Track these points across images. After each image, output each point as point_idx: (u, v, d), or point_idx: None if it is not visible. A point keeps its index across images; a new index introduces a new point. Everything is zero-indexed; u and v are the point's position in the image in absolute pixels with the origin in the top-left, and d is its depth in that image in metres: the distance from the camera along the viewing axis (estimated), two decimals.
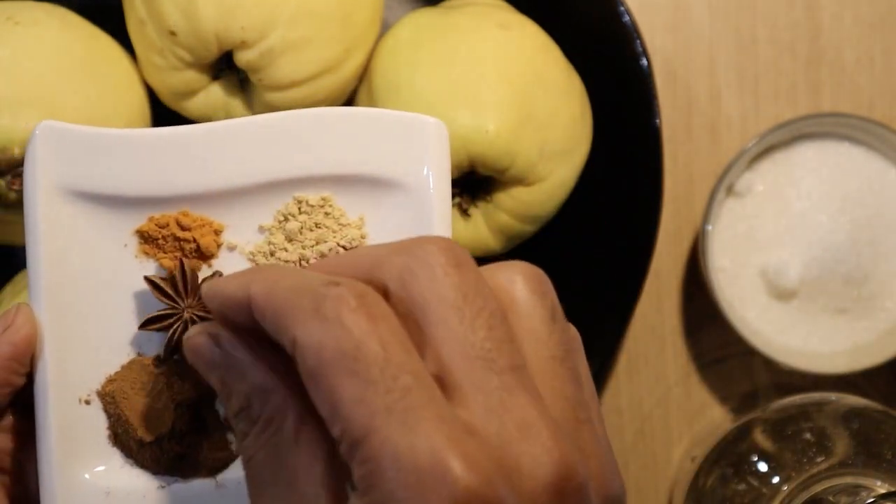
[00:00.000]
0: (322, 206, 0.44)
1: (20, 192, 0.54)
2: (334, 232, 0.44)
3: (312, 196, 0.44)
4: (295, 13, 0.55)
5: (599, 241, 0.63)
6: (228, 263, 0.44)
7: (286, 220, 0.44)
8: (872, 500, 0.51)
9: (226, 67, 0.57)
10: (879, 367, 0.63)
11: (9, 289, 0.58)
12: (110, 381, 0.44)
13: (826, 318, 0.64)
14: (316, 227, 0.44)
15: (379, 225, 0.45)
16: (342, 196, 0.44)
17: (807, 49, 0.67)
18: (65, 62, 0.55)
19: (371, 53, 0.59)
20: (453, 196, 0.59)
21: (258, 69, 0.55)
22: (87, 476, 0.43)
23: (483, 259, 0.61)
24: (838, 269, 0.64)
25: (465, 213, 0.59)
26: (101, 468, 0.43)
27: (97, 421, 0.44)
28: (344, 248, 0.44)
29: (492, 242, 0.60)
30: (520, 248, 0.62)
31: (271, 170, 0.44)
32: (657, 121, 0.61)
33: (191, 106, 0.58)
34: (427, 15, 0.59)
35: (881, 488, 0.54)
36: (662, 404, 0.68)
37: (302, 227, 0.44)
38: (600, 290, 0.63)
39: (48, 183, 0.42)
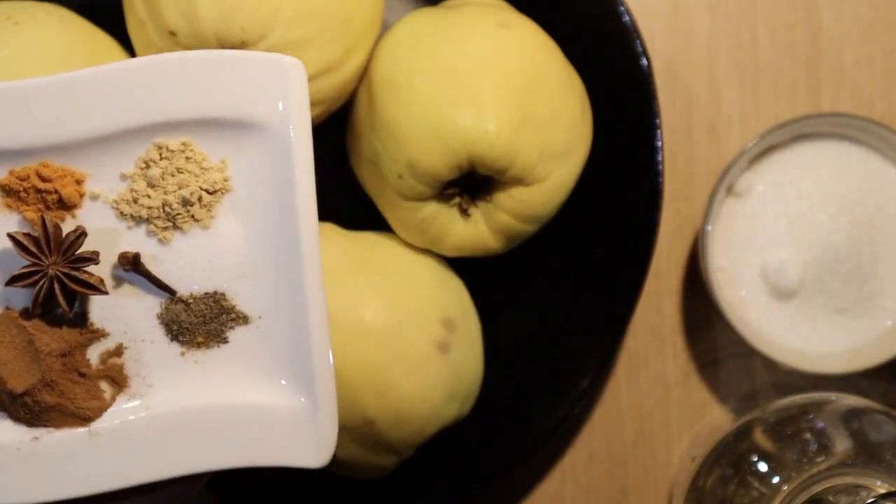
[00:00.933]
0: (183, 151, 0.45)
1: None
2: (196, 176, 0.45)
3: (173, 141, 0.45)
4: (295, 14, 0.55)
5: (599, 241, 0.63)
6: (92, 212, 0.45)
7: (147, 166, 0.45)
8: (872, 500, 0.51)
9: None
10: (879, 367, 0.63)
11: None
12: None
13: (826, 318, 0.64)
14: (178, 172, 0.45)
15: (241, 168, 0.45)
16: (203, 140, 0.45)
17: (807, 49, 0.67)
18: (65, 62, 0.55)
19: (371, 53, 0.59)
20: (453, 196, 0.59)
21: None
22: None
23: (483, 259, 0.61)
24: (838, 269, 0.64)
25: (465, 212, 0.59)
26: None
27: None
28: (207, 191, 0.45)
29: (492, 242, 0.60)
30: (520, 248, 0.62)
31: (130, 116, 0.44)
32: (657, 121, 0.61)
33: None
34: (427, 15, 0.59)
35: (881, 488, 0.54)
36: (662, 404, 0.68)
37: (164, 173, 0.45)
38: (600, 290, 0.63)
39: None
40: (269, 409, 0.45)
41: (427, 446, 0.61)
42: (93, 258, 0.44)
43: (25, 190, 0.44)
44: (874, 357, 0.63)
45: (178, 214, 0.45)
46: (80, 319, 0.45)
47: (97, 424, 0.45)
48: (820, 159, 0.65)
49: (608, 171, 0.62)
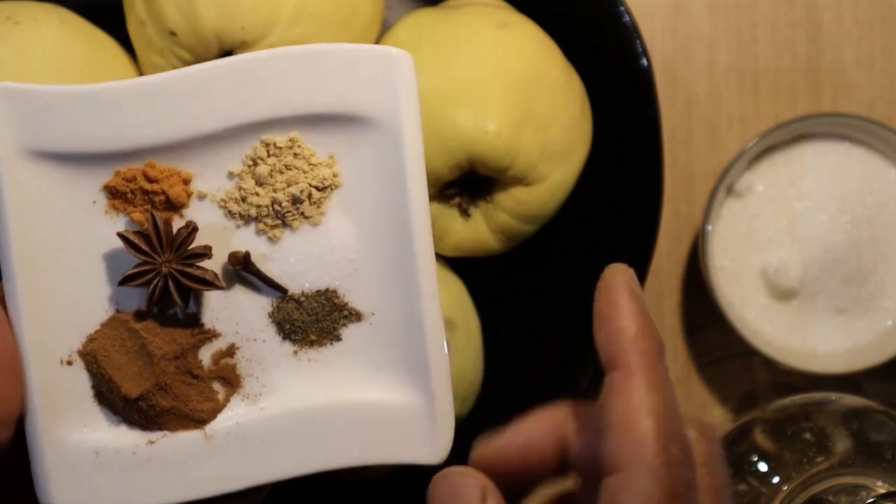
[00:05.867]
0: (290, 148, 0.44)
1: None
2: (305, 172, 0.44)
3: (280, 138, 0.44)
4: (295, 13, 0.55)
5: (599, 240, 0.63)
6: (200, 212, 0.44)
7: (255, 164, 0.44)
8: (872, 500, 0.51)
9: None
10: (879, 367, 0.63)
11: None
12: (90, 339, 0.44)
13: (826, 318, 0.64)
14: (286, 168, 0.44)
15: (350, 163, 0.44)
16: (310, 136, 0.44)
17: (807, 49, 0.67)
18: (64, 61, 0.55)
19: None
20: (453, 196, 0.59)
21: None
22: (74, 437, 0.43)
23: (483, 259, 0.61)
24: (838, 269, 0.64)
25: (465, 212, 0.59)
26: (88, 428, 0.43)
27: (81, 381, 0.44)
28: (316, 188, 0.44)
29: (492, 242, 0.60)
30: (520, 248, 0.62)
31: (236, 114, 0.43)
32: (657, 120, 0.61)
33: None
34: (427, 15, 0.59)
35: (881, 488, 0.54)
36: None
37: (272, 170, 0.44)
38: None
39: (10, 146, 0.42)
40: (384, 406, 0.44)
41: None
42: (206, 253, 0.43)
43: (132, 191, 0.43)
44: (874, 357, 0.63)
45: (288, 212, 0.44)
46: (192, 320, 0.44)
47: (212, 426, 0.44)
48: (820, 159, 0.65)
49: (608, 171, 0.62)
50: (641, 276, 0.62)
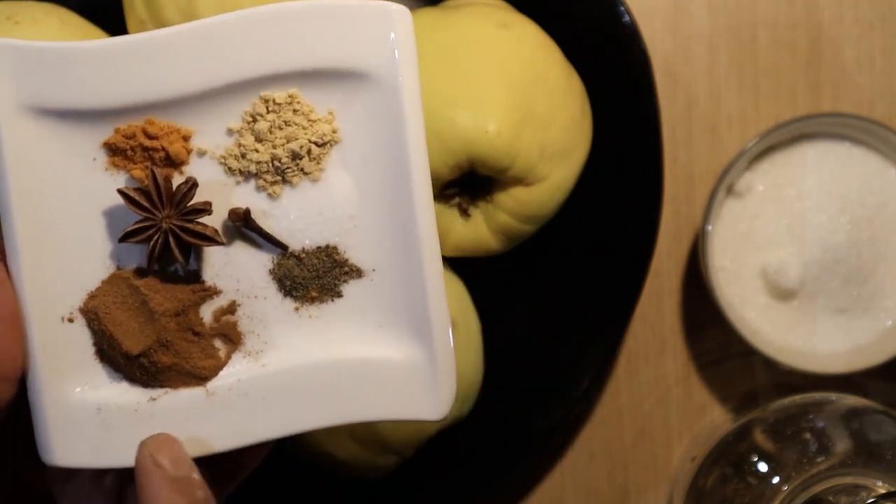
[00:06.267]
0: (290, 104, 0.44)
1: None
2: (304, 128, 0.44)
3: (279, 94, 0.44)
4: None
5: (599, 240, 0.63)
6: (200, 169, 0.44)
7: (254, 120, 0.44)
8: (872, 500, 0.51)
9: None
10: (879, 367, 0.63)
11: None
12: (91, 297, 0.44)
13: (826, 318, 0.64)
14: (285, 125, 0.44)
15: (349, 119, 0.44)
16: (310, 91, 0.44)
17: (807, 49, 0.67)
18: None
19: None
20: (453, 196, 0.59)
21: None
22: (76, 394, 0.43)
23: (483, 259, 0.61)
24: (838, 269, 0.64)
25: (464, 213, 0.59)
26: (89, 385, 0.44)
27: (82, 338, 0.44)
28: (315, 144, 0.44)
29: (492, 242, 0.60)
30: (520, 248, 0.62)
31: (235, 70, 0.43)
32: (657, 120, 0.61)
33: None
34: (427, 15, 0.59)
35: (881, 488, 0.54)
36: (662, 404, 0.68)
37: (271, 127, 0.44)
38: (600, 289, 0.63)
39: (9, 102, 0.42)
40: (385, 363, 0.44)
41: (427, 446, 0.61)
42: (206, 209, 0.43)
43: (132, 148, 0.43)
44: (874, 357, 0.63)
45: (288, 168, 0.44)
46: (193, 277, 0.44)
47: (213, 383, 0.44)
48: (820, 159, 0.65)
49: (608, 171, 0.62)
50: (641, 276, 0.62)
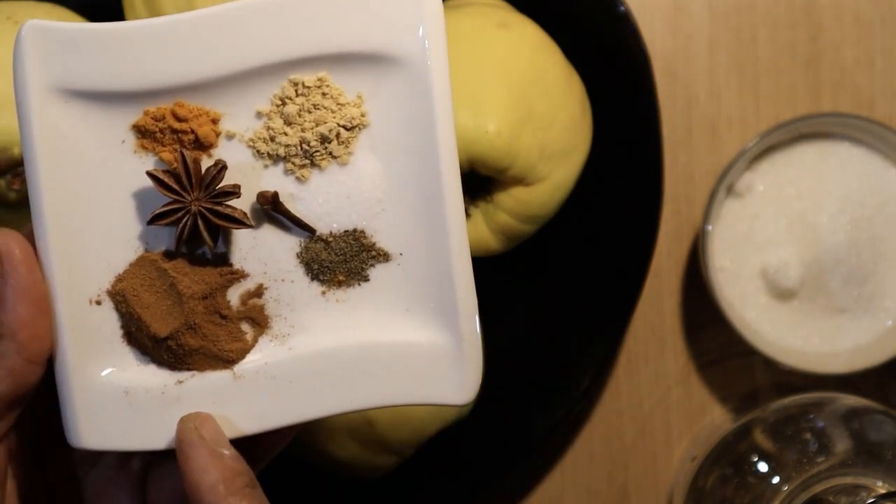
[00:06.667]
0: (319, 87, 0.44)
1: (20, 192, 0.54)
2: (333, 112, 0.44)
3: (308, 77, 0.44)
4: None
5: (599, 241, 0.63)
6: (228, 152, 0.44)
7: (283, 103, 0.44)
8: (872, 500, 0.51)
9: None
10: (879, 367, 0.63)
11: None
12: (119, 279, 0.44)
13: (826, 318, 0.64)
14: (314, 108, 0.44)
15: (378, 102, 0.44)
16: (338, 75, 0.44)
17: (807, 49, 0.67)
18: None
19: None
20: None
21: None
22: (104, 376, 0.43)
23: (483, 259, 0.61)
24: (838, 269, 0.64)
25: (464, 213, 0.59)
26: (117, 368, 0.43)
27: (110, 320, 0.44)
28: (344, 127, 0.44)
29: (492, 242, 0.60)
30: (520, 248, 0.62)
31: (264, 53, 0.43)
32: (657, 120, 0.61)
33: None
34: None
35: (881, 488, 0.54)
36: (662, 404, 0.68)
37: (300, 110, 0.44)
38: (600, 289, 0.63)
39: (39, 84, 0.42)
40: (412, 347, 0.44)
41: (427, 446, 0.61)
42: (235, 191, 0.43)
43: (161, 130, 0.43)
44: (874, 357, 0.63)
45: (316, 152, 0.44)
46: (221, 260, 0.44)
47: (240, 367, 0.44)
48: (820, 159, 0.65)
49: (608, 171, 0.62)
50: (641, 276, 0.62)
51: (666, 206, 0.65)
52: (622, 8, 0.61)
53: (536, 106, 0.57)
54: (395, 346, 0.44)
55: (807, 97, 0.67)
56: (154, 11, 0.55)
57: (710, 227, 0.63)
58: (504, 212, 0.58)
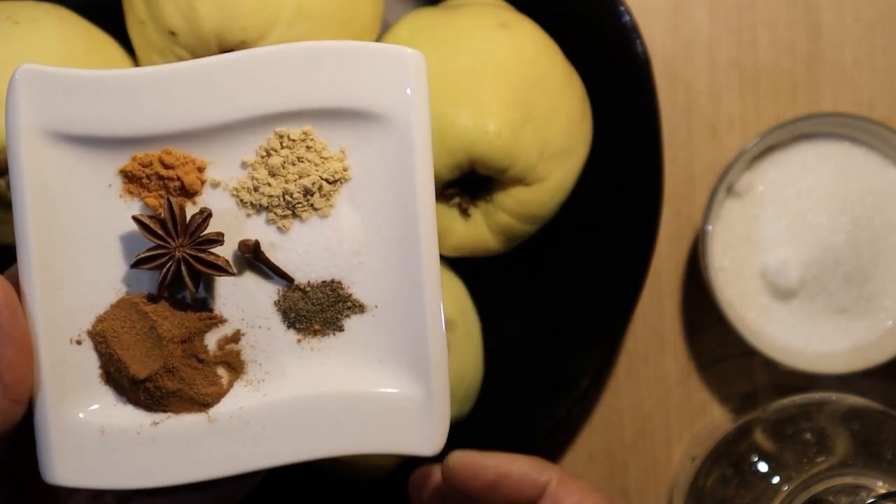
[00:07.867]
0: (304, 140, 0.44)
1: None
2: (316, 165, 0.45)
3: (294, 130, 0.44)
4: (295, 13, 0.55)
5: (599, 240, 0.63)
6: (213, 200, 0.45)
7: (268, 154, 0.45)
8: (872, 500, 0.51)
9: None
10: (879, 367, 0.63)
11: None
12: (100, 320, 0.44)
13: (826, 318, 0.64)
14: (298, 160, 0.44)
15: (360, 157, 0.45)
16: (323, 129, 0.45)
17: (807, 49, 0.67)
18: (64, 61, 0.55)
19: None
20: (453, 196, 0.59)
21: None
22: (81, 415, 0.44)
23: (483, 259, 0.61)
24: (838, 269, 0.64)
25: (464, 213, 0.59)
26: (94, 407, 0.44)
27: (89, 360, 0.44)
28: (327, 181, 0.45)
29: (492, 242, 0.60)
30: (520, 248, 0.62)
31: (252, 105, 0.44)
32: (657, 120, 0.61)
33: None
34: (427, 15, 0.59)
35: (881, 488, 0.54)
36: (662, 404, 0.68)
37: (284, 162, 0.44)
38: (601, 289, 0.63)
39: (31, 127, 0.43)
40: (383, 397, 0.45)
41: None
42: (219, 239, 0.44)
43: (148, 176, 0.44)
44: (874, 357, 0.63)
45: (298, 203, 0.45)
46: (201, 305, 0.45)
47: (215, 410, 0.44)
48: (820, 159, 0.65)
49: (608, 171, 0.62)
50: (641, 276, 0.62)
51: (666, 206, 0.65)
52: (622, 8, 0.61)
53: (536, 106, 0.57)
54: (366, 395, 0.45)
55: (807, 97, 0.67)
56: (154, 11, 0.55)
57: (710, 227, 0.63)
58: (504, 212, 0.58)
